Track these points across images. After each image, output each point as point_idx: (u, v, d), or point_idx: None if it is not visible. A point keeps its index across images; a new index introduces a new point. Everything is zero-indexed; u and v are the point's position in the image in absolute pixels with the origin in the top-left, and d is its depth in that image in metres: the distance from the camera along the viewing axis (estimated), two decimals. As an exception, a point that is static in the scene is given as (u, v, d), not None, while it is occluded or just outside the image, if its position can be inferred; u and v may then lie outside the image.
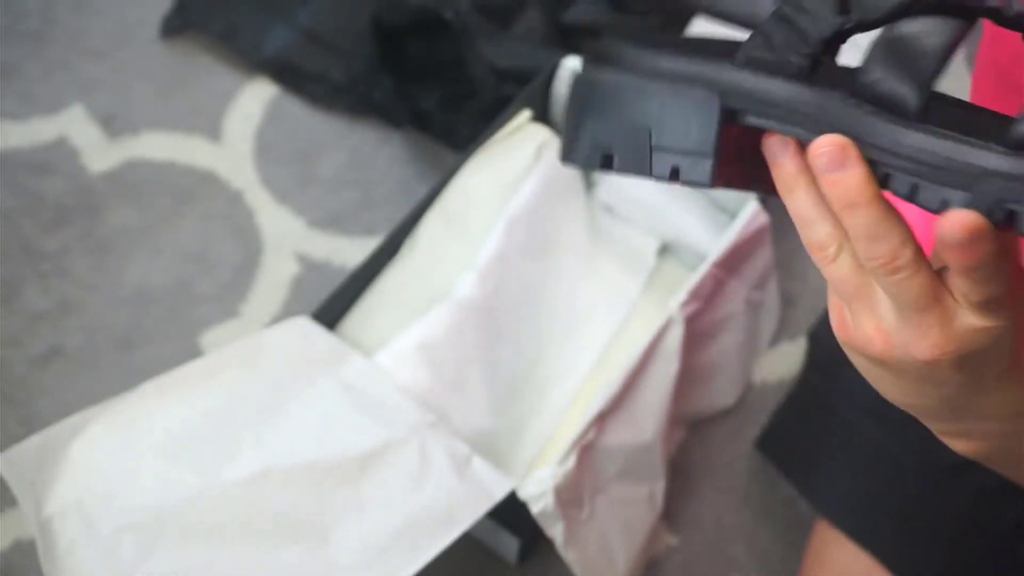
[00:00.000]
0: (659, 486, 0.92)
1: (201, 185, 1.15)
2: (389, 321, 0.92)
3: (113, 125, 1.18)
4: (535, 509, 0.79)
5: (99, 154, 1.16)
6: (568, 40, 1.20)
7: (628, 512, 0.89)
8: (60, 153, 1.16)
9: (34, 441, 0.76)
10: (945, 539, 0.80)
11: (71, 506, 0.73)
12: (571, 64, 1.03)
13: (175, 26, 1.24)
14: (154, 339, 1.06)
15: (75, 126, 1.17)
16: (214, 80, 1.22)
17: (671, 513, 0.99)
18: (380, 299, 0.96)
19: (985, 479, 0.68)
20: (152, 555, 0.71)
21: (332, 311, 0.94)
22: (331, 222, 1.14)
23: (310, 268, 1.11)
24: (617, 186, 1.03)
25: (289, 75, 1.22)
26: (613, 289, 0.97)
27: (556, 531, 0.80)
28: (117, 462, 0.76)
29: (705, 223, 1.00)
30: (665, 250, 1.04)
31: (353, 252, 1.12)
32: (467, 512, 0.76)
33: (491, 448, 0.87)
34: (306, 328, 0.87)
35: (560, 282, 0.95)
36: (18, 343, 1.04)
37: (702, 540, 1.00)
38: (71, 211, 1.12)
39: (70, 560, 0.71)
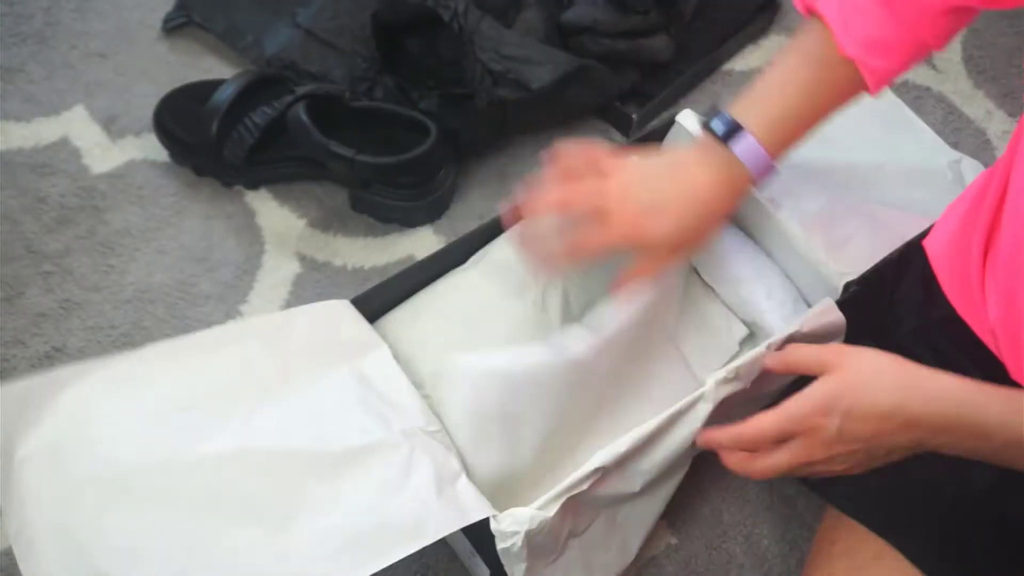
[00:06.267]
0: (634, 534, 0.90)
1: (202, 185, 1.16)
2: (435, 327, 0.90)
3: (115, 126, 1.18)
4: (501, 545, 0.76)
5: (101, 154, 1.16)
6: (566, 40, 1.20)
7: (596, 556, 0.86)
8: (62, 153, 1.16)
9: (24, 384, 0.74)
10: (956, 525, 0.81)
11: (46, 448, 0.72)
12: (685, 120, 0.97)
13: (176, 23, 1.24)
14: (156, 339, 1.06)
15: (77, 127, 1.18)
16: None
17: (671, 512, 0.99)
18: (433, 302, 0.93)
19: (997, 468, 0.69)
20: (109, 510, 0.70)
21: (375, 300, 0.90)
22: (332, 222, 1.14)
23: (311, 268, 1.11)
24: (717, 262, 0.97)
25: (289, 75, 1.22)
26: (685, 377, 0.93)
27: (517, 571, 0.77)
28: (103, 415, 0.74)
29: (786, 311, 0.96)
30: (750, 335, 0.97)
31: (353, 252, 1.12)
32: (435, 527, 0.73)
33: (506, 487, 0.85)
34: (343, 312, 0.85)
35: (637, 360, 0.92)
36: (21, 343, 1.05)
37: (702, 538, 1.01)
38: (73, 211, 1.12)
39: (31, 500, 0.70)
